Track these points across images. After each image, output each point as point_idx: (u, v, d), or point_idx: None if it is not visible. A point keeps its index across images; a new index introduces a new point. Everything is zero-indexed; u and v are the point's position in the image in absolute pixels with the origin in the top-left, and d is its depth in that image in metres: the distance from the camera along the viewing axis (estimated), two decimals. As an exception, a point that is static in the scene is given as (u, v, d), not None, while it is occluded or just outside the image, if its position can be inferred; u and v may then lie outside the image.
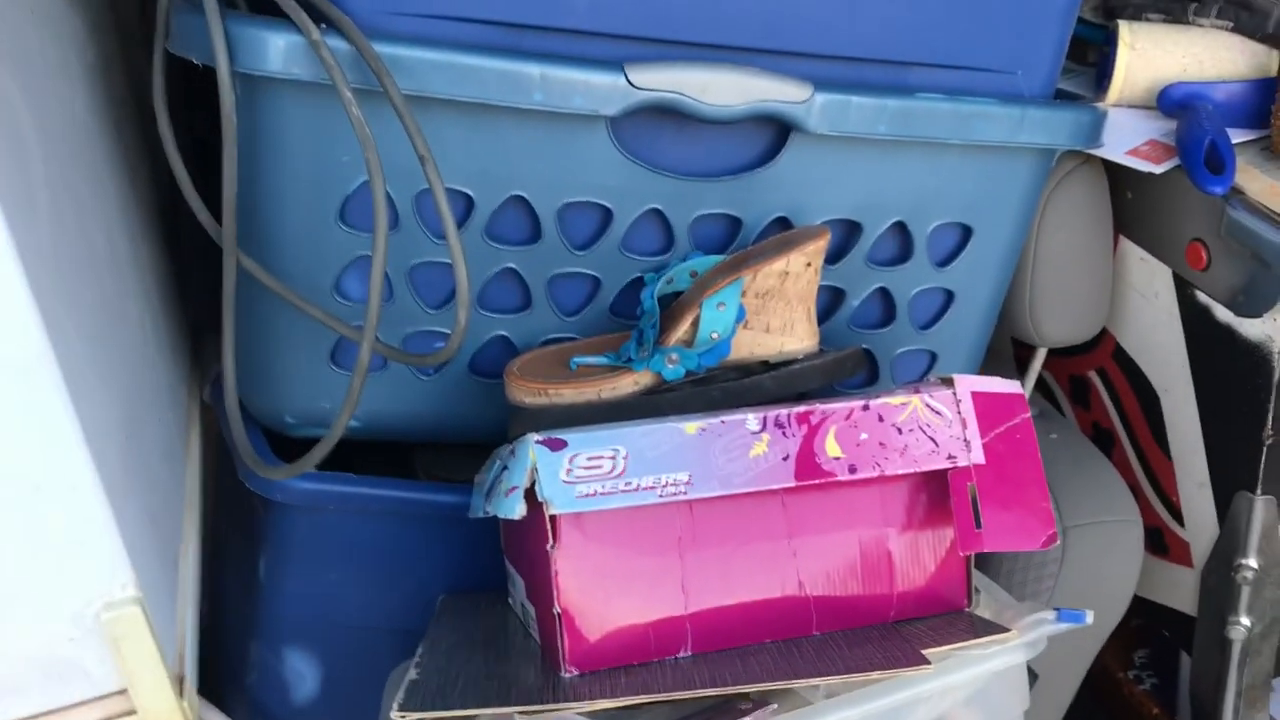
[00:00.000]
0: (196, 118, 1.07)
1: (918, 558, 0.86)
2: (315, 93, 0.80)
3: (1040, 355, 1.21)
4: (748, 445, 0.80)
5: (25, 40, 0.68)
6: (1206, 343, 1.07)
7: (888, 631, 0.84)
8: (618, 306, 0.95)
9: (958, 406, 0.84)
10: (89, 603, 0.63)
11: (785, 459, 0.80)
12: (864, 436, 0.82)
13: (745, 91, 0.86)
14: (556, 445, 0.77)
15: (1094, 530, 1.10)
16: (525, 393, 0.87)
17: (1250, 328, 1.02)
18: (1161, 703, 1.37)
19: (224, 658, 1.09)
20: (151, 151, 1.08)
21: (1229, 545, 1.09)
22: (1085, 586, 1.10)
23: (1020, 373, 1.23)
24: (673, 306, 0.91)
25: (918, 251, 0.98)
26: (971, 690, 0.82)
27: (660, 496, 0.78)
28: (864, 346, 0.98)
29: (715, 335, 0.87)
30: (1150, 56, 1.09)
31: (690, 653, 0.81)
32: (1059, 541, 1.06)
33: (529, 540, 0.82)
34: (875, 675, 0.76)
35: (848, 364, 0.91)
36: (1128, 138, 1.07)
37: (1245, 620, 1.10)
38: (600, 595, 0.79)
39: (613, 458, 0.77)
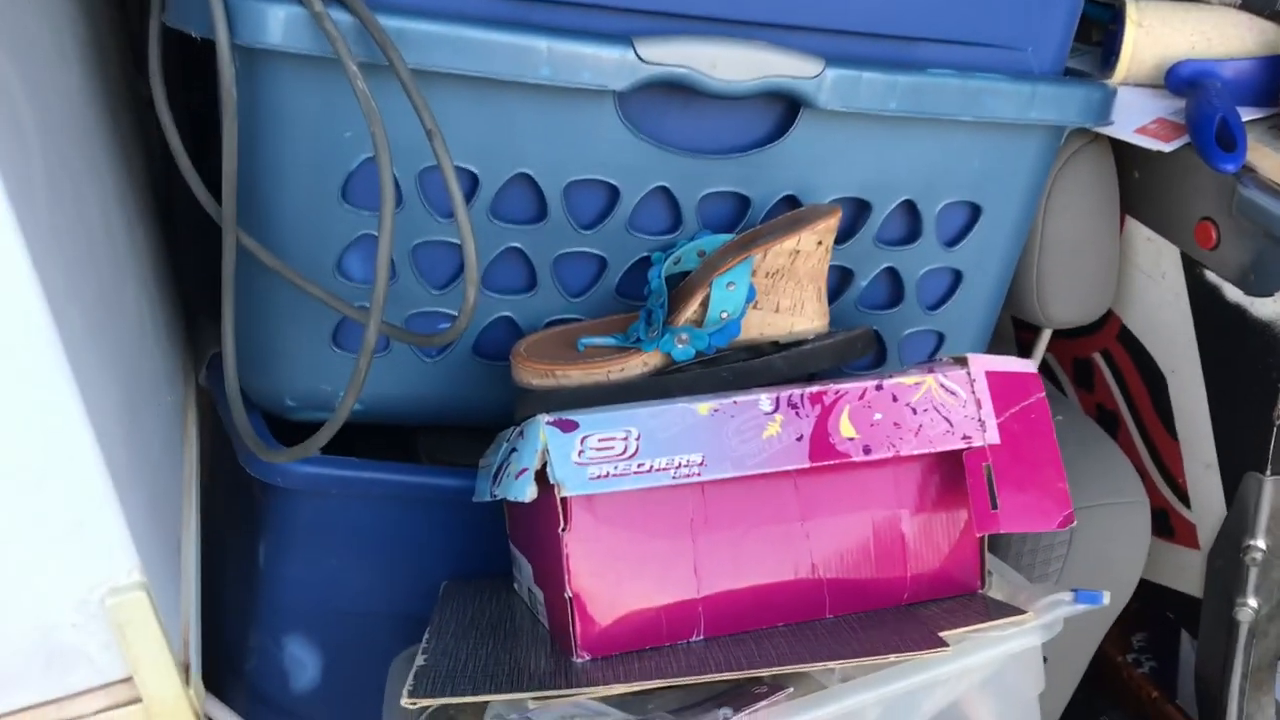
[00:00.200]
0: (192, 94, 1.05)
1: (931, 539, 0.85)
2: (317, 67, 0.78)
3: (1045, 337, 1.20)
4: (761, 426, 0.78)
5: (19, 14, 0.66)
6: (1215, 323, 1.06)
7: (902, 614, 0.83)
8: (624, 287, 0.93)
9: (972, 386, 0.83)
10: (93, 588, 0.62)
11: (799, 440, 0.79)
12: (878, 417, 0.81)
13: (755, 67, 0.84)
14: (568, 426, 0.75)
15: (1102, 512, 1.09)
16: (532, 374, 0.85)
17: (1261, 307, 1.01)
18: (1161, 685, 1.37)
19: (221, 646, 1.07)
20: (144, 131, 1.06)
21: (1237, 526, 1.09)
22: (1093, 569, 1.09)
23: (1023, 355, 1.22)
24: (681, 286, 0.90)
25: (926, 231, 0.97)
26: (987, 673, 0.81)
27: (674, 478, 0.76)
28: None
29: (725, 315, 0.85)
30: (1158, 34, 1.08)
31: (703, 636, 0.80)
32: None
33: (538, 524, 0.81)
34: (893, 658, 0.75)
35: (858, 344, 0.89)
36: (1135, 116, 1.06)
37: (1252, 602, 1.09)
38: (612, 579, 0.78)
39: (625, 439, 0.76)
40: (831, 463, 0.79)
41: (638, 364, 0.85)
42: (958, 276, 1.01)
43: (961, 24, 0.92)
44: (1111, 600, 1.15)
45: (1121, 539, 1.12)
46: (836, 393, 0.80)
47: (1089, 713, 1.31)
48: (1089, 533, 1.09)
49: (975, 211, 0.98)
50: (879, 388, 0.81)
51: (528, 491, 0.75)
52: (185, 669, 0.68)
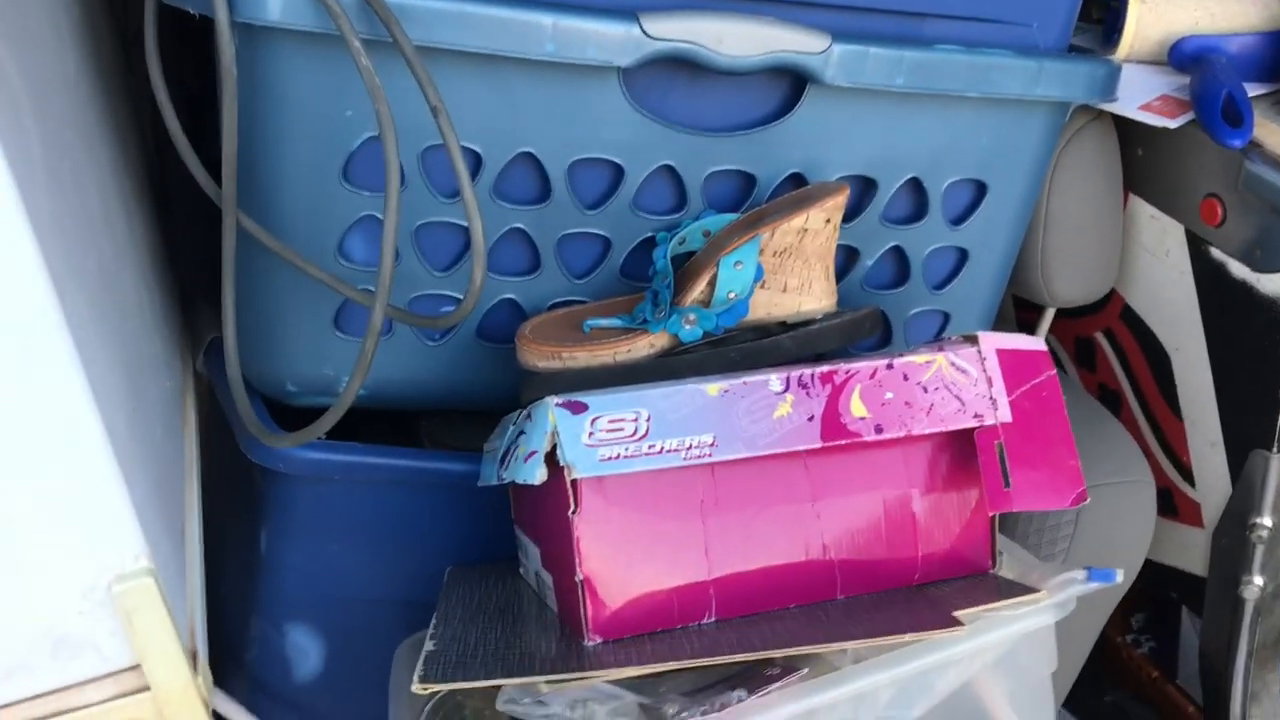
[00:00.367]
0: (187, 75, 1.03)
1: (942, 519, 0.84)
2: (318, 44, 0.77)
3: (1048, 316, 1.20)
4: (772, 406, 0.78)
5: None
6: (1220, 300, 1.06)
7: (914, 594, 0.82)
8: (628, 268, 0.92)
9: (983, 364, 0.82)
10: (100, 574, 0.60)
11: (810, 420, 0.78)
12: (889, 396, 0.80)
13: (762, 42, 0.83)
14: (577, 408, 0.74)
15: (1107, 491, 1.08)
16: (538, 356, 0.84)
17: (1267, 283, 1.01)
18: (1160, 665, 1.37)
19: (220, 636, 1.06)
20: (137, 115, 1.04)
21: (1243, 504, 1.09)
22: (1100, 548, 1.09)
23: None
24: (687, 266, 0.89)
25: (932, 209, 0.96)
26: (1000, 652, 0.80)
27: (685, 459, 0.75)
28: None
29: (733, 295, 0.85)
30: (1161, 10, 1.07)
31: (714, 618, 0.79)
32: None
33: (546, 507, 0.80)
34: (908, 638, 0.74)
35: (866, 323, 0.89)
36: (1139, 93, 1.06)
37: (1258, 579, 1.09)
38: (623, 561, 0.77)
39: (635, 420, 0.75)
40: (843, 443, 0.79)
41: (644, 345, 0.85)
42: (963, 255, 1.00)
43: (967, 0, 0.91)
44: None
45: (1127, 518, 1.11)
46: (847, 372, 0.79)
47: (1094, 692, 1.31)
48: (1095, 512, 1.08)
49: (981, 189, 0.98)
50: (890, 367, 0.80)
51: (537, 474, 0.74)
52: (193, 656, 0.67)
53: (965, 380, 0.82)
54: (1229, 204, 1.01)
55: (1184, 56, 1.06)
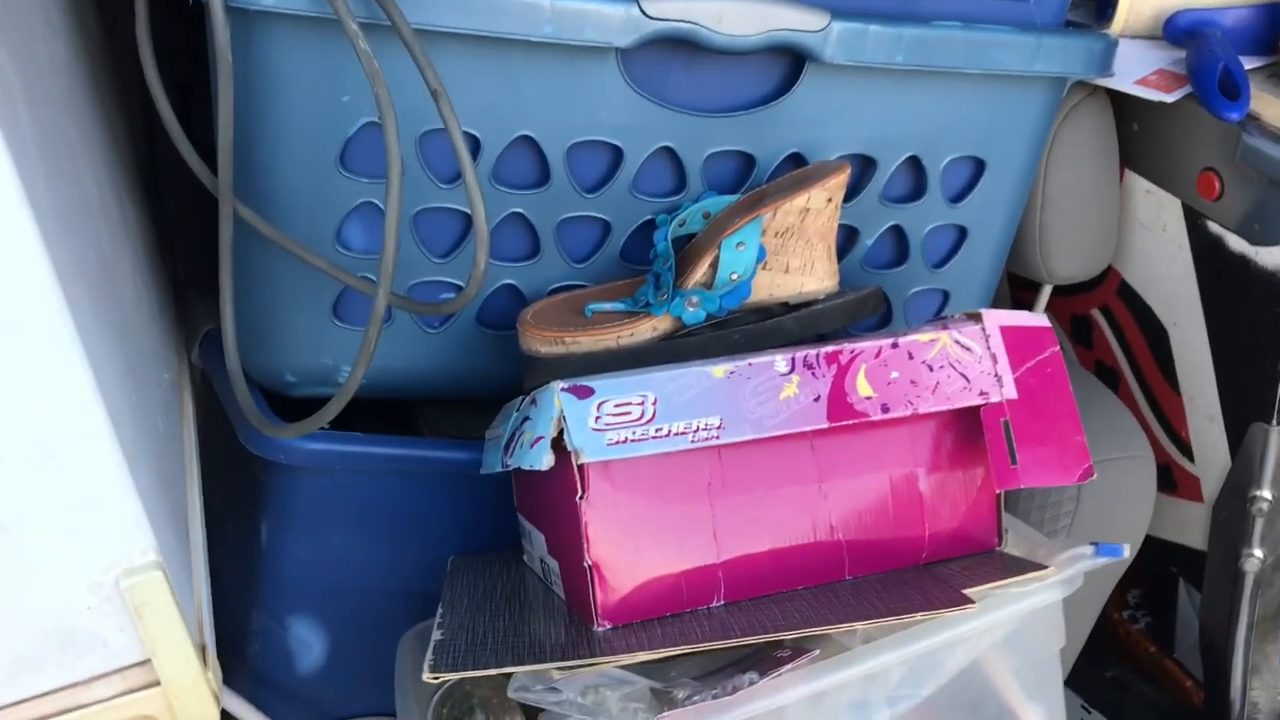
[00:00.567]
0: (177, 64, 1.02)
1: (948, 497, 0.84)
2: (314, 28, 0.76)
3: (1045, 294, 1.20)
4: (778, 387, 0.77)
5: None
6: (1218, 274, 1.06)
7: (922, 573, 0.82)
8: (628, 251, 0.92)
9: (987, 342, 0.82)
10: (108, 569, 0.60)
11: (817, 400, 0.78)
12: (895, 375, 0.80)
13: (761, 20, 0.83)
14: (584, 393, 0.74)
15: (1108, 467, 1.08)
16: (541, 342, 0.84)
17: (1266, 256, 1.01)
18: (1158, 640, 1.37)
19: (223, 629, 1.05)
20: (127, 105, 1.03)
21: (1242, 477, 1.09)
22: (1102, 524, 1.09)
23: (1023, 313, 1.22)
24: (688, 248, 0.88)
25: (931, 187, 0.96)
26: (1009, 629, 0.80)
27: (692, 442, 0.75)
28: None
29: (735, 276, 0.84)
30: (1155, -16, 1.07)
31: (723, 601, 0.79)
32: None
33: (553, 493, 0.79)
34: (919, 617, 0.74)
35: (869, 303, 0.88)
36: (1135, 68, 1.05)
37: (1258, 552, 1.10)
38: (631, 546, 0.76)
39: (641, 404, 0.75)
40: (849, 423, 0.78)
41: (647, 328, 0.84)
42: (962, 233, 1.00)
43: (964, -25, 0.90)
44: (1120, 555, 1.15)
45: (1128, 493, 1.12)
46: (852, 352, 0.79)
47: (1096, 668, 1.32)
48: (1097, 488, 1.08)
49: (979, 167, 0.97)
50: (895, 346, 0.80)
51: (544, 460, 0.73)
52: (202, 650, 0.66)
53: (970, 358, 0.81)
54: (1226, 178, 1.01)
55: (1179, 30, 1.06)
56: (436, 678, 0.72)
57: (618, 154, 0.87)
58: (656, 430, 0.74)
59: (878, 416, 0.79)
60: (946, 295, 1.03)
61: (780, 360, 0.78)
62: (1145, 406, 1.19)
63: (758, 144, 0.90)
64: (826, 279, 0.88)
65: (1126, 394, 1.21)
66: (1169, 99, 1.02)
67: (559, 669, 0.72)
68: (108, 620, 0.61)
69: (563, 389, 0.74)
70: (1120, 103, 1.09)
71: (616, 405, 0.74)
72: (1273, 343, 1.02)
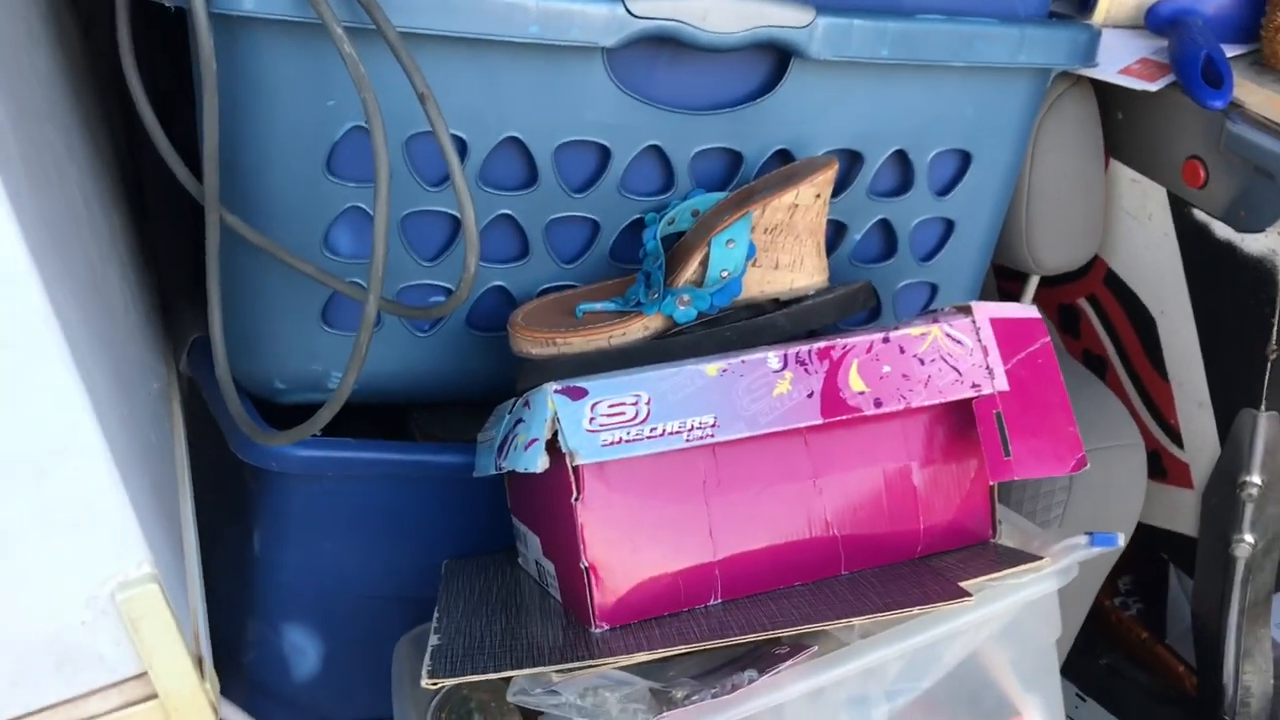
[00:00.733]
0: (160, 71, 1.01)
1: (943, 490, 0.84)
2: (297, 33, 0.75)
3: (1032, 285, 1.20)
4: (771, 384, 0.77)
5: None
6: (1205, 261, 1.06)
7: (918, 567, 0.82)
8: (618, 251, 0.92)
9: (977, 334, 0.82)
10: (103, 583, 0.59)
11: (810, 396, 0.78)
12: (887, 369, 0.80)
13: (746, 17, 0.82)
14: (577, 394, 0.74)
15: (1099, 456, 1.09)
16: (532, 343, 0.84)
17: (1252, 243, 1.01)
18: (1149, 627, 1.38)
19: (218, 639, 1.04)
20: (108, 114, 1.02)
21: (1232, 463, 1.09)
22: (1093, 513, 1.10)
23: (1010, 303, 1.22)
24: (677, 247, 0.88)
25: (918, 181, 0.96)
26: (1005, 621, 0.81)
27: (687, 441, 0.75)
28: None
29: (726, 273, 0.84)
30: (1136, -26, 1.07)
31: (720, 599, 0.79)
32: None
33: (547, 494, 0.79)
34: (916, 611, 0.74)
35: (860, 297, 0.88)
36: (1118, 57, 1.06)
37: (1249, 537, 1.10)
38: (627, 546, 0.76)
39: (635, 404, 0.75)
40: (843, 418, 0.78)
41: (639, 328, 0.84)
42: (950, 226, 1.00)
43: (947, -32, 0.90)
44: (1112, 543, 1.16)
45: (1119, 482, 1.12)
46: (844, 347, 0.79)
47: (1089, 656, 1.32)
48: (1088, 478, 1.09)
49: (965, 159, 0.97)
50: (886, 340, 0.80)
51: (539, 462, 0.73)
52: (199, 662, 0.66)
53: (961, 351, 0.82)
54: (1211, 165, 1.02)
55: (1161, 20, 1.06)
56: (435, 683, 0.72)
57: (605, 153, 0.87)
58: (651, 430, 0.74)
59: (871, 411, 0.79)
60: (935, 288, 1.03)
61: (773, 357, 0.78)
62: (1134, 394, 1.20)
63: (745, 141, 0.89)
64: (816, 274, 0.88)
65: (1115, 382, 1.21)
66: (1152, 88, 1.02)
67: (558, 671, 0.72)
68: (104, 634, 0.60)
69: (556, 391, 0.74)
70: (1104, 92, 1.10)
71: (610, 406, 0.74)
72: (1260, 328, 1.02)
